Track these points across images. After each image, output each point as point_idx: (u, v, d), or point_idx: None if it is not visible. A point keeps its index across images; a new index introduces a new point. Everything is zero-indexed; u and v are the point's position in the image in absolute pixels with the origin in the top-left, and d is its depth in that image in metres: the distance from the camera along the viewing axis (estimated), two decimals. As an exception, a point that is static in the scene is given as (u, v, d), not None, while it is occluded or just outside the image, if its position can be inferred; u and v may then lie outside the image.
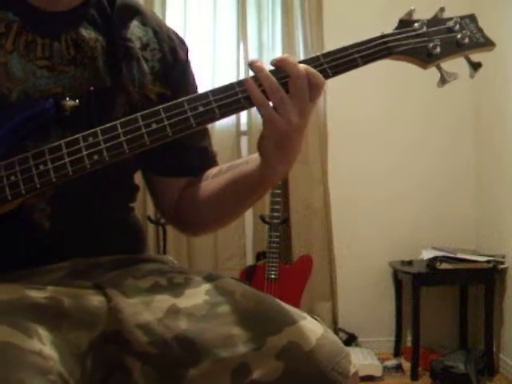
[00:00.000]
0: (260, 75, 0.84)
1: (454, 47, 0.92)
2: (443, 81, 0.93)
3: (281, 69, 0.84)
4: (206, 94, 0.85)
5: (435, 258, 2.80)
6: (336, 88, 3.10)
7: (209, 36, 3.06)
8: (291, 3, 3.05)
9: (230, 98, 0.85)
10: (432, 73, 0.94)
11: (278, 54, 3.03)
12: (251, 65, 0.85)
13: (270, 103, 0.84)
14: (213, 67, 3.03)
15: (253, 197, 0.97)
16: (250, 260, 3.07)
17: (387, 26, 0.93)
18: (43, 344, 0.76)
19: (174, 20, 2.99)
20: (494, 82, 2.88)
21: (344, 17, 3.09)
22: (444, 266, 2.79)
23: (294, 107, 0.83)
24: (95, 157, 0.82)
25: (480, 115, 3.13)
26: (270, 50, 3.08)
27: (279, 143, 0.86)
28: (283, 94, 0.83)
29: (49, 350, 0.75)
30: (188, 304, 0.89)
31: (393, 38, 0.91)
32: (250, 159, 0.95)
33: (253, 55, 3.05)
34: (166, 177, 1.07)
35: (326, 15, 3.08)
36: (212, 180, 1.02)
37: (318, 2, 3.07)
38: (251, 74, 0.86)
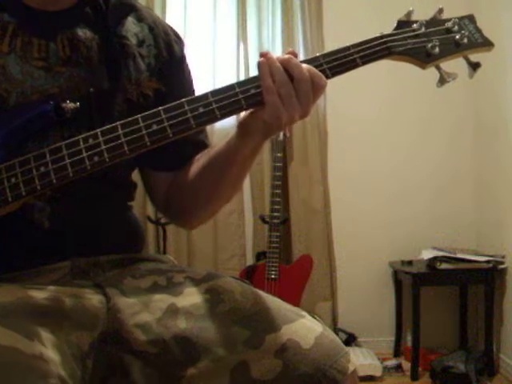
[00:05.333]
0: (273, 66, 0.84)
1: (453, 47, 0.93)
2: (442, 81, 0.93)
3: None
4: (206, 95, 0.85)
5: (435, 258, 2.80)
6: (336, 88, 3.10)
7: (209, 36, 3.06)
8: (291, 3, 3.05)
9: (231, 99, 0.85)
10: (432, 74, 0.94)
11: (277, 54, 3.03)
12: (264, 56, 0.85)
13: None
14: (213, 67, 3.03)
15: (227, 174, 0.96)
16: (250, 260, 3.08)
17: (387, 26, 0.94)
18: (45, 346, 0.76)
19: (174, 20, 2.99)
20: (493, 83, 2.88)
21: (344, 17, 3.09)
22: (444, 265, 2.79)
23: (300, 105, 0.84)
24: (95, 158, 0.83)
25: (480, 116, 3.12)
26: (270, 50, 3.07)
27: (269, 129, 0.87)
28: (292, 91, 0.83)
29: (50, 353, 0.76)
30: (187, 303, 0.89)
31: (392, 38, 0.91)
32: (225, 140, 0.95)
33: (253, 55, 3.05)
34: (164, 171, 1.06)
35: (325, 15, 3.09)
36: (194, 164, 1.02)
37: (317, 2, 3.07)
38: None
